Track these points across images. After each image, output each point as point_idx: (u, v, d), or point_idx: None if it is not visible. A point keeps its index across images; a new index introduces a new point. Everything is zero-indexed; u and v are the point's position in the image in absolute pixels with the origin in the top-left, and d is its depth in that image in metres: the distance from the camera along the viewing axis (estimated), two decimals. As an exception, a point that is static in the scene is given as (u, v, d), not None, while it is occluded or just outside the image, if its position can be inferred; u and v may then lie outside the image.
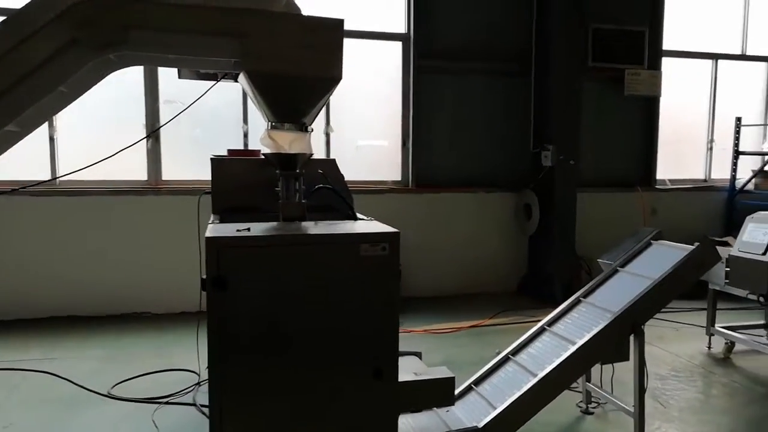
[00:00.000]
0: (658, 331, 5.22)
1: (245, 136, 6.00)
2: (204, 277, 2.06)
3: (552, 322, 3.42)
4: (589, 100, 6.82)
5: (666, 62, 7.22)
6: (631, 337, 3.12)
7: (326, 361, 2.20)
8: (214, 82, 2.95)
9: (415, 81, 6.32)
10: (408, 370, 2.89)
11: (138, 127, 5.73)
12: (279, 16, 2.48)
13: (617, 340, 3.10)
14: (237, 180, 2.95)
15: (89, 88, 2.69)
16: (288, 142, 2.69)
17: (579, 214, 6.45)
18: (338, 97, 6.18)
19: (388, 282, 2.23)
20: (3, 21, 2.26)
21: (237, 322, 2.09)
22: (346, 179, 6.10)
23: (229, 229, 2.22)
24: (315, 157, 3.85)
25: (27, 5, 2.26)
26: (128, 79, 5.62)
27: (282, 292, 2.13)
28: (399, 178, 6.51)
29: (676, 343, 5.02)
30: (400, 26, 6.39)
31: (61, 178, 5.58)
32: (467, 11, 6.45)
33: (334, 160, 3.14)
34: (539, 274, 6.63)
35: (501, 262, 6.71)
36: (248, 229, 2.22)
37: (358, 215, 2.80)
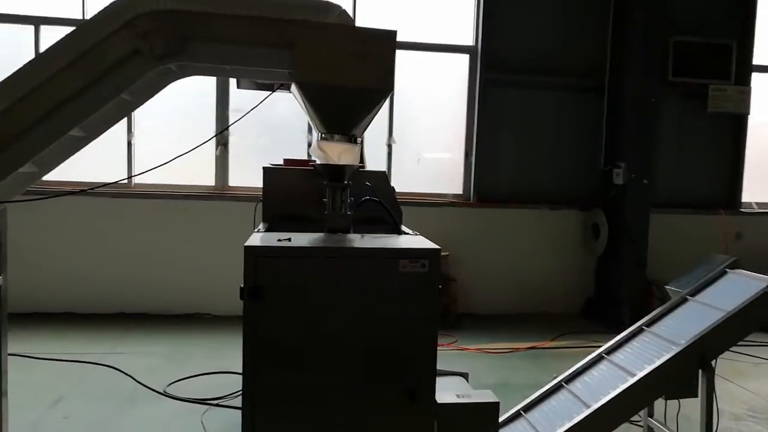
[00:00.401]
0: (736, 366, 4.81)
1: (309, 146, 6.09)
2: (242, 285, 2.07)
3: (611, 351, 3.21)
4: (669, 116, 6.45)
5: (757, 78, 6.72)
6: (700, 372, 2.88)
7: (360, 379, 2.15)
8: (270, 92, 3.00)
9: (481, 94, 6.21)
10: (450, 391, 2.79)
11: (209, 135, 5.96)
12: (331, 27, 2.48)
13: (682, 374, 2.87)
14: (288, 189, 2.98)
15: (151, 96, 2.81)
16: (337, 153, 2.68)
17: (653, 236, 6.08)
18: (402, 109, 6.22)
19: (427, 300, 2.16)
20: (74, 29, 2.39)
21: (272, 333, 2.08)
22: (406, 191, 6.09)
23: (271, 239, 2.23)
24: (376, 169, 3.85)
25: (96, 15, 2.38)
26: (201, 90, 5.88)
27: (318, 305, 2.11)
28: (460, 192, 6.40)
29: (755, 381, 4.60)
30: (467, 39, 6.30)
31: (135, 180, 5.90)
32: (538, 24, 6.29)
33: (384, 172, 3.11)
34: (606, 297, 6.30)
35: (565, 282, 6.43)
36: (289, 239, 2.22)
37: (406, 229, 2.74)
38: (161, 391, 3.95)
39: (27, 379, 4.14)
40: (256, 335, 2.07)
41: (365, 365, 2.15)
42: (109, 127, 2.77)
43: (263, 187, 2.97)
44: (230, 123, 2.89)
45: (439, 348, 5.07)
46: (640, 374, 2.82)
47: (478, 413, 2.59)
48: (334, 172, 2.65)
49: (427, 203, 6.19)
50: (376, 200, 2.72)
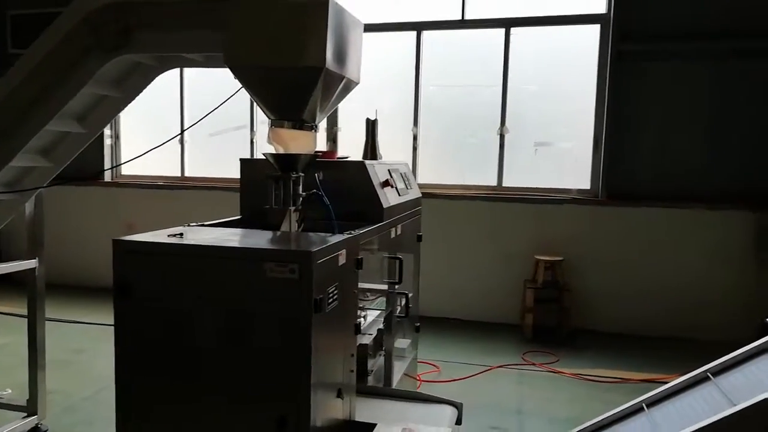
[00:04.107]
0: None
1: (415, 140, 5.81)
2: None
3: (654, 402, 2.38)
4: None
5: None
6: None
7: (227, 399, 1.89)
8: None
9: (614, 70, 5.21)
10: (407, 423, 2.36)
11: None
12: (258, 2, 2.24)
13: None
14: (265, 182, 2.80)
15: (140, 92, 2.89)
16: (286, 141, 2.45)
17: None
18: (517, 94, 5.53)
19: (298, 312, 1.81)
20: (46, 29, 2.55)
21: (138, 333, 1.95)
22: (520, 186, 5.48)
23: (163, 234, 2.09)
24: (396, 160, 3.48)
25: (62, 15, 2.51)
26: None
27: (183, 308, 1.91)
28: (587, 187, 5.47)
29: None
30: (598, 6, 5.34)
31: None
32: (692, -24, 5.04)
33: (362, 162, 2.73)
34: (788, 325, 4.80)
35: (727, 302, 5.07)
36: (181, 235, 2.06)
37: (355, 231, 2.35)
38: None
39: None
40: (124, 333, 1.96)
41: (231, 381, 1.89)
42: (107, 124, 2.94)
43: (240, 181, 2.85)
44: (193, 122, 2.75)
45: (528, 367, 4.42)
46: (665, 441, 2.02)
47: (415, 455, 2.14)
48: (284, 161, 2.42)
49: (544, 200, 5.43)
50: (320, 194, 2.40)
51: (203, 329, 1.90)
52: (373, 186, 2.67)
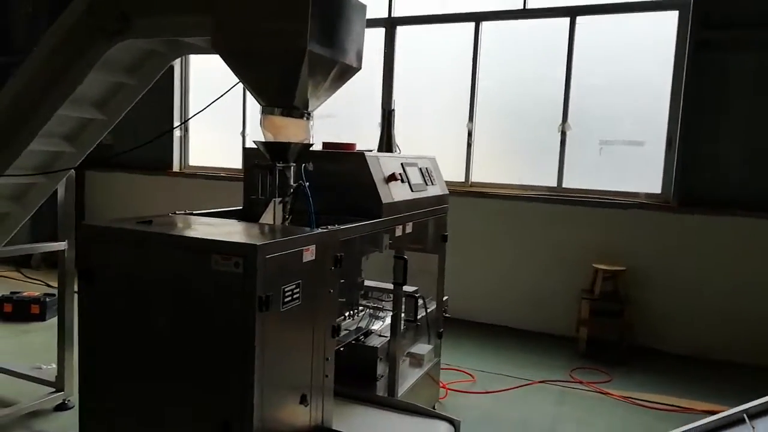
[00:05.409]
0: None
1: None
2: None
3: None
4: None
5: None
6: None
7: (176, 392, 1.81)
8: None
9: (693, 62, 4.65)
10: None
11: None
12: (243, -19, 2.14)
13: None
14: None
15: (154, 79, 2.89)
16: (276, 128, 2.33)
17: None
18: (581, 87, 5.08)
19: (241, 310, 1.68)
20: (61, 15, 2.59)
21: (98, 318, 1.92)
22: (582, 187, 5.03)
23: (133, 221, 2.04)
24: (420, 154, 3.27)
25: (71, 4, 2.55)
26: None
27: (138, 298, 1.85)
28: (657, 191, 4.93)
29: None
30: (677, -10, 4.80)
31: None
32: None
33: (362, 154, 2.56)
34: None
35: (821, 329, 4.38)
36: (149, 222, 2.00)
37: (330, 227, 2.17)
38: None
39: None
40: (85, 318, 1.93)
41: (180, 377, 1.80)
42: (125, 111, 2.96)
43: (243, 168, 2.78)
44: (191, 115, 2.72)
45: (574, 385, 4.03)
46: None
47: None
48: (273, 150, 2.31)
49: (608, 203, 4.97)
50: (305, 186, 2.26)
51: (155, 320, 1.83)
52: (373, 179, 2.49)
